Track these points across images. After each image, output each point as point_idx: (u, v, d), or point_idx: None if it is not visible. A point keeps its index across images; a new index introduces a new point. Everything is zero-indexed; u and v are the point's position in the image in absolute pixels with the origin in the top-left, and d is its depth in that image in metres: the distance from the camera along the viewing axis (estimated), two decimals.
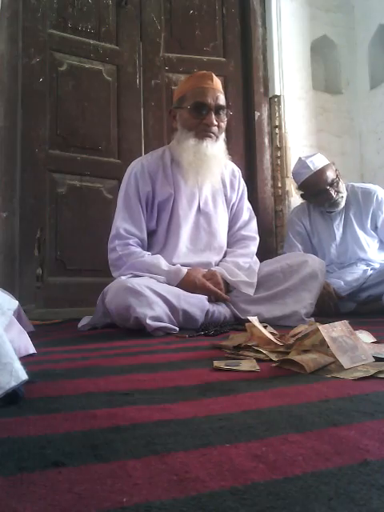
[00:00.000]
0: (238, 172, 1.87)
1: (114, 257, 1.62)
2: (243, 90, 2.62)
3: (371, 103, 2.70)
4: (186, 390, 0.66)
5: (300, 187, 2.22)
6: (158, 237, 1.69)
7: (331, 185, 2.11)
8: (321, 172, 2.11)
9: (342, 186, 2.14)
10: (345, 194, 2.15)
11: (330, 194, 2.11)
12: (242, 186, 1.86)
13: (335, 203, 2.14)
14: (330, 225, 2.22)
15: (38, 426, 0.51)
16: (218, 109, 1.63)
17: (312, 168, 2.11)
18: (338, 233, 2.21)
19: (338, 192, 2.12)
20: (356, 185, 2.25)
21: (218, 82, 1.68)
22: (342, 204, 2.15)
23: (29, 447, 0.44)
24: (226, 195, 1.80)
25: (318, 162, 2.13)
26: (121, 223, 1.63)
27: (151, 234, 1.69)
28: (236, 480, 0.36)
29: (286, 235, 2.38)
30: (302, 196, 2.27)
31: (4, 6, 2.09)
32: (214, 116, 1.61)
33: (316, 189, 2.13)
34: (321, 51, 2.80)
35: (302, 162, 2.16)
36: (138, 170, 1.68)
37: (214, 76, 1.67)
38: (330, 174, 2.11)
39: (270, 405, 0.57)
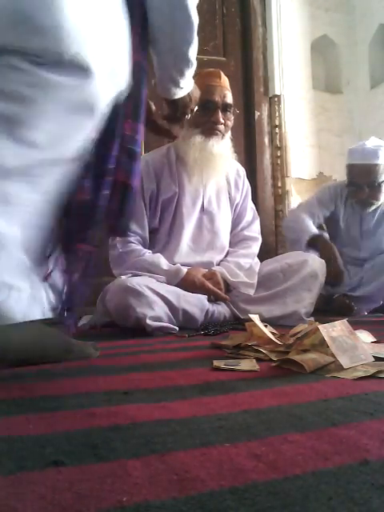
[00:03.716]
0: (242, 172, 1.87)
1: (114, 254, 1.62)
2: (243, 89, 2.62)
3: (371, 103, 2.70)
4: (186, 389, 0.66)
5: (347, 165, 2.06)
6: (160, 235, 1.68)
7: (370, 185, 1.97)
8: (368, 168, 1.94)
9: (382, 193, 2.01)
10: (380, 202, 2.02)
11: (361, 193, 1.99)
12: (246, 186, 1.86)
13: (363, 203, 2.03)
14: (359, 214, 2.10)
15: (38, 424, 0.51)
16: (225, 107, 1.63)
17: (364, 158, 1.95)
18: (367, 226, 2.08)
19: (373, 196, 1.99)
20: None
21: (225, 80, 1.67)
22: (371, 209, 2.04)
23: (28, 446, 0.44)
24: (230, 194, 1.79)
25: (375, 157, 1.94)
26: None
27: (153, 232, 1.69)
28: (236, 479, 0.36)
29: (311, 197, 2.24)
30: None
31: None
32: (220, 114, 1.61)
33: (352, 179, 2.01)
34: (321, 51, 2.80)
35: (363, 147, 1.98)
36: (143, 167, 1.67)
37: (221, 74, 1.67)
38: (379, 177, 1.95)
39: (270, 404, 0.58)
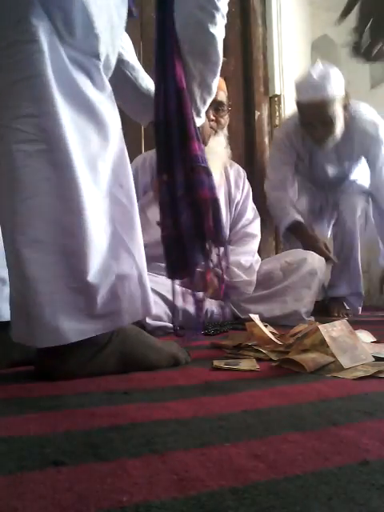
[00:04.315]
0: (243, 172, 1.91)
1: None
2: (243, 89, 2.62)
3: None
4: (186, 389, 0.66)
5: (295, 102, 1.92)
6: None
7: (322, 122, 1.80)
8: (317, 104, 1.76)
9: (338, 126, 1.83)
10: (338, 135, 1.86)
11: (315, 132, 1.84)
12: (246, 186, 1.89)
13: (319, 142, 1.88)
14: (318, 151, 1.97)
15: (38, 424, 0.51)
16: (217, 105, 1.67)
17: (311, 93, 1.77)
18: (328, 159, 1.99)
19: (328, 132, 1.83)
20: (363, 116, 1.92)
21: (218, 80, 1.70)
22: (329, 146, 1.88)
23: (29, 446, 0.44)
24: (230, 193, 1.82)
25: (323, 89, 1.76)
26: None
27: None
28: (236, 479, 0.36)
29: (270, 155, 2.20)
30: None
31: None
32: (212, 111, 1.65)
33: (304, 118, 1.85)
34: (321, 51, 2.80)
35: (309, 80, 1.79)
36: (139, 162, 1.74)
37: None
38: (330, 111, 1.77)
39: (270, 404, 0.58)
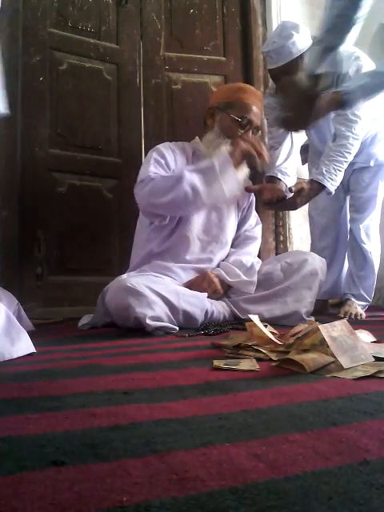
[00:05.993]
0: (249, 181, 1.93)
1: (153, 183, 1.58)
2: None
3: None
4: (186, 389, 0.66)
5: (268, 71, 1.83)
6: (169, 224, 1.71)
7: None
8: (287, 68, 1.65)
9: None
10: None
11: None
12: (252, 195, 1.95)
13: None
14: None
15: (38, 424, 0.51)
16: (256, 129, 1.76)
17: (277, 59, 1.69)
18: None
19: None
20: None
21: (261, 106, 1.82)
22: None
23: (28, 446, 0.44)
24: (238, 199, 1.87)
25: (287, 52, 1.67)
26: (152, 169, 1.63)
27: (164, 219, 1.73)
28: (236, 479, 0.36)
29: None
30: None
31: (4, 5, 2.08)
32: (251, 134, 1.73)
33: (278, 84, 1.73)
34: None
35: (272, 46, 1.71)
36: (166, 146, 1.76)
37: (262, 97, 1.83)
38: (300, 69, 1.56)
39: (270, 404, 0.58)
